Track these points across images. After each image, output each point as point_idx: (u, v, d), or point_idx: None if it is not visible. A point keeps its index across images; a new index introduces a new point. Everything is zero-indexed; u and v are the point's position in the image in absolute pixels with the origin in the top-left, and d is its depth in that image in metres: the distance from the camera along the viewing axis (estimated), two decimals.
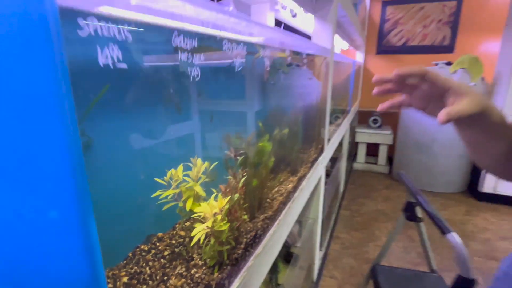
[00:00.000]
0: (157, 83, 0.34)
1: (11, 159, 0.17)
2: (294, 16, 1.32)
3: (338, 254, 1.89)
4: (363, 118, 3.41)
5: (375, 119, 3.18)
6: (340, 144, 2.66)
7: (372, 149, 3.29)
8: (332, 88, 1.48)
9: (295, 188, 0.83)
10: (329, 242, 1.99)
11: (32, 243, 0.19)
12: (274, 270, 1.31)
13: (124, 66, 0.23)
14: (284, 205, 0.73)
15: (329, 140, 1.45)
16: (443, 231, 0.77)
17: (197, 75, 0.32)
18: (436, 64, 2.67)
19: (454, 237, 0.73)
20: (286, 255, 1.37)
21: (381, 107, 0.45)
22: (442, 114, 0.35)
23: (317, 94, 1.15)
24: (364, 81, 3.43)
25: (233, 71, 0.41)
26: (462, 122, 0.41)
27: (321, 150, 1.21)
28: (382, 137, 3.10)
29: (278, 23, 1.64)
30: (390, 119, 3.29)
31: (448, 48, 2.99)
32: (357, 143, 3.29)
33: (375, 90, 0.44)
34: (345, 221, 2.30)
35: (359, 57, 3.27)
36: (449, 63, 2.62)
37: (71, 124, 0.19)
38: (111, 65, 0.22)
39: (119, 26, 0.22)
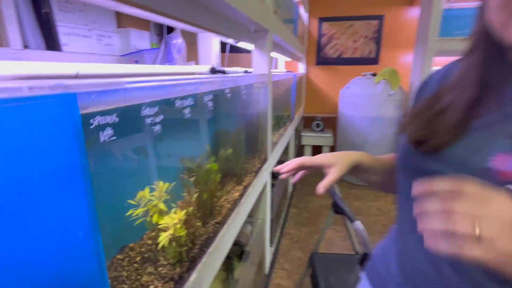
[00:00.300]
0: (134, 138, 0.47)
1: (65, 214, 0.31)
2: (236, 42, 1.50)
3: (288, 248, 2.12)
4: (307, 123, 3.74)
5: (317, 124, 3.52)
6: (287, 148, 2.92)
7: (317, 150, 3.63)
8: (275, 102, 1.69)
9: (241, 196, 1.00)
10: (279, 238, 2.20)
11: (70, 250, 0.32)
12: (230, 268, 1.47)
13: (114, 138, 0.37)
14: (231, 211, 0.90)
15: (273, 148, 1.65)
16: (351, 220, 1.01)
17: (159, 131, 0.46)
18: (365, 75, 3.09)
19: (358, 224, 0.96)
20: (241, 254, 1.54)
21: (293, 180, 0.62)
22: (319, 187, 0.51)
23: (259, 110, 1.34)
24: (307, 89, 3.77)
25: (186, 106, 0.56)
26: (348, 173, 0.59)
27: (265, 159, 1.41)
28: (324, 139, 3.45)
29: (224, 44, 1.81)
30: (330, 123, 3.67)
31: (374, 61, 3.45)
32: (303, 145, 3.61)
33: (283, 176, 0.62)
34: (294, 218, 2.55)
35: (301, 67, 3.59)
36: (374, 74, 3.04)
37: (91, 192, 0.33)
38: (107, 139, 0.36)
39: (110, 115, 0.36)
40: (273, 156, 1.64)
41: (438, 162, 0.44)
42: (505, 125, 0.40)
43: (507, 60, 0.43)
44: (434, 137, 0.44)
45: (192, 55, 1.77)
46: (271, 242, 2.01)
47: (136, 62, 2.05)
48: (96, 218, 0.34)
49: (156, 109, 0.46)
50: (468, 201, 0.30)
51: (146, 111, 0.44)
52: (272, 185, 2.15)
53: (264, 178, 1.38)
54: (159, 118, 0.47)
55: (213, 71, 1.18)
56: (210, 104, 0.71)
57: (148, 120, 0.45)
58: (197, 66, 1.23)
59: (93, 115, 0.34)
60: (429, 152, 0.45)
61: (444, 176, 0.42)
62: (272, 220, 1.92)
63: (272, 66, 3.62)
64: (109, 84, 0.37)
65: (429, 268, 0.45)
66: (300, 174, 0.64)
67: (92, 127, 0.34)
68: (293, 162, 0.60)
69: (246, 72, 1.63)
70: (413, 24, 3.24)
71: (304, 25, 3.43)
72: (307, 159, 0.59)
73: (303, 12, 3.43)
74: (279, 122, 2.12)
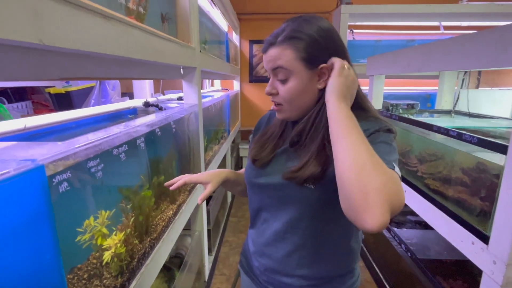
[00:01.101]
0: (82, 183, 0.63)
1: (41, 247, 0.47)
2: None
3: (227, 255, 2.31)
4: (244, 136, 4.02)
5: None
6: (225, 160, 3.14)
7: None
8: (209, 122, 1.89)
9: (175, 214, 1.18)
10: (219, 246, 2.39)
11: (40, 268, 0.48)
12: (171, 279, 1.61)
13: (69, 188, 0.53)
14: (166, 227, 1.07)
15: (207, 166, 1.85)
16: None
17: (101, 175, 0.63)
18: None
19: None
20: (181, 265, 1.68)
21: (171, 188, 0.78)
22: (199, 198, 0.71)
23: (191, 135, 1.53)
24: (242, 104, 4.06)
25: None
26: (219, 187, 0.82)
27: None
28: None
29: None
30: None
31: None
32: (241, 157, 3.87)
33: (171, 188, 0.78)
34: (233, 226, 2.76)
35: (236, 85, 3.87)
36: None
37: (55, 230, 0.49)
38: (64, 189, 0.52)
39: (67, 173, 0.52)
40: None
41: (264, 176, 0.72)
42: (290, 152, 0.70)
43: None
44: (262, 157, 0.73)
45: (127, 83, 1.87)
46: (211, 250, 2.19)
47: (67, 82, 2.07)
48: (58, 248, 0.50)
49: (97, 160, 0.62)
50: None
51: (90, 164, 0.60)
52: (210, 197, 2.34)
53: (198, 194, 1.56)
54: (100, 166, 0.64)
55: (147, 105, 1.34)
56: (143, 144, 0.88)
57: (92, 170, 0.61)
58: (131, 101, 1.38)
59: (53, 175, 0.50)
60: (260, 167, 0.73)
61: (270, 184, 0.69)
62: (210, 231, 2.11)
63: (208, 84, 3.81)
64: (65, 151, 0.53)
65: (268, 240, 0.73)
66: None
67: (54, 184, 0.50)
68: (179, 180, 0.78)
69: (179, 98, 1.81)
70: None
71: (237, 47, 3.72)
72: (190, 179, 0.78)
73: (235, 36, 3.73)
74: (215, 139, 2.32)
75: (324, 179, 0.63)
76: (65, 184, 0.53)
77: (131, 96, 1.68)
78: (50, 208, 0.48)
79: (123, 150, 0.75)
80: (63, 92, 2.22)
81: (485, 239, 1.01)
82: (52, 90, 2.24)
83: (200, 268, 1.80)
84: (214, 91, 3.23)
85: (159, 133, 0.99)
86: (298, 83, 0.64)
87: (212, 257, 2.15)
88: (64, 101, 2.16)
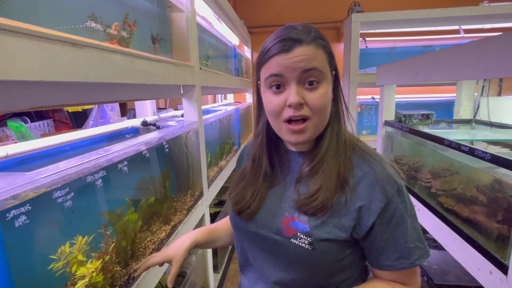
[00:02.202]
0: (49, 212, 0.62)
1: None
2: None
3: (236, 273, 2.26)
4: None
5: None
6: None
7: None
8: (215, 138, 1.88)
9: (169, 235, 1.15)
10: (227, 263, 2.34)
11: None
12: None
13: (28, 221, 0.52)
14: (157, 250, 1.04)
15: (211, 182, 1.83)
16: None
17: (70, 204, 0.62)
18: None
19: None
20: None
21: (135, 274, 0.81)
22: (168, 281, 0.68)
23: (191, 152, 1.52)
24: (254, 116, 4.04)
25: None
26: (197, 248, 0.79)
27: (200, 195, 1.57)
28: None
29: None
30: None
31: None
32: None
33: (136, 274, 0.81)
34: None
35: (249, 97, 3.88)
36: None
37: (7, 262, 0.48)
38: (22, 223, 0.51)
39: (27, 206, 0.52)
40: (211, 190, 1.81)
41: (254, 224, 0.63)
42: (286, 192, 0.61)
43: (283, 145, 0.66)
44: (246, 208, 0.64)
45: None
46: (218, 268, 2.15)
47: None
48: (12, 282, 0.49)
49: (66, 189, 0.62)
50: None
51: (57, 194, 0.59)
52: (215, 214, 2.30)
53: (200, 211, 1.54)
54: (70, 195, 0.63)
55: (145, 124, 1.35)
56: (126, 167, 0.87)
57: (60, 199, 0.60)
58: (129, 121, 1.39)
59: (8, 210, 0.49)
60: (247, 219, 0.64)
61: (260, 234, 0.62)
62: (217, 248, 2.07)
63: (221, 98, 3.81)
64: (21, 185, 0.53)
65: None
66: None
67: (8, 219, 0.49)
68: (142, 266, 0.77)
69: (182, 116, 1.81)
70: (342, 58, 3.70)
71: (248, 60, 3.74)
72: (153, 262, 0.76)
73: (246, 49, 3.75)
74: (221, 154, 2.30)
75: (325, 242, 0.56)
76: (23, 217, 0.52)
77: (135, 113, 1.71)
78: (1, 244, 0.47)
79: (101, 176, 0.74)
80: (80, 110, 2.31)
81: (504, 268, 0.90)
82: (69, 109, 2.34)
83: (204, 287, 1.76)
84: (226, 105, 3.24)
85: (147, 154, 0.98)
86: (328, 89, 0.56)
87: (219, 275, 2.10)
88: (81, 118, 2.24)
